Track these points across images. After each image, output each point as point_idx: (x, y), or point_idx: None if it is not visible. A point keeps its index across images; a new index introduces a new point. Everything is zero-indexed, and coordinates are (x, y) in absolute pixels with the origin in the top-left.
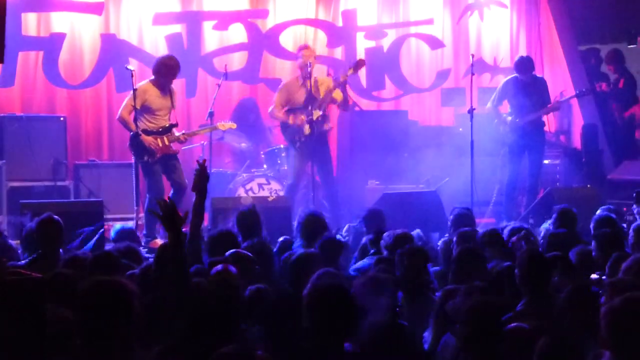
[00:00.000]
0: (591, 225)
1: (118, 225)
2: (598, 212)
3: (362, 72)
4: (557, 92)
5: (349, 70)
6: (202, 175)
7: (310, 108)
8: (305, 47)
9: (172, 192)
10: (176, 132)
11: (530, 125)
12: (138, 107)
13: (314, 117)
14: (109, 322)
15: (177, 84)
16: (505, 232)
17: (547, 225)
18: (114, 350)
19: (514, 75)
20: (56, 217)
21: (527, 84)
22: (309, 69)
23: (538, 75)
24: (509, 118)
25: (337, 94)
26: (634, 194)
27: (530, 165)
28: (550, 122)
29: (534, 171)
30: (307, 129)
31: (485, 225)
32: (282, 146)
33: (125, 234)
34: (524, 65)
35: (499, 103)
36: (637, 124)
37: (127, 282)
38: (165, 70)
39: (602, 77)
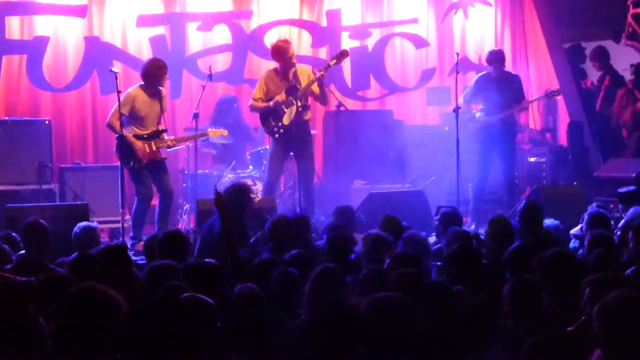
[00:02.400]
0: (583, 223)
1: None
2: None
3: (347, 72)
4: (542, 90)
5: (332, 60)
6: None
7: (292, 99)
8: (284, 41)
9: (159, 197)
10: (165, 137)
11: (500, 123)
12: (126, 113)
13: (296, 108)
14: (90, 329)
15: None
16: None
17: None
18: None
19: (486, 71)
20: (42, 221)
21: (500, 80)
22: (292, 68)
23: (512, 72)
24: (479, 114)
25: (315, 88)
26: (617, 195)
27: (502, 164)
28: (536, 120)
29: (506, 169)
30: (286, 119)
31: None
32: (267, 147)
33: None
34: (496, 57)
35: (471, 100)
36: (625, 122)
37: (110, 290)
38: (154, 74)
39: (580, 73)
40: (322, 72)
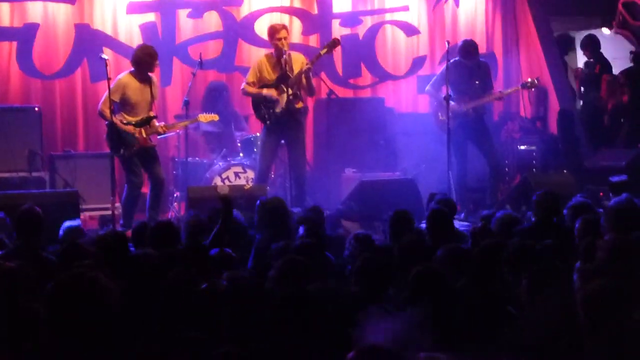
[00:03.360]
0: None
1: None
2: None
3: (338, 60)
4: (533, 78)
5: (323, 49)
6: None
7: (284, 86)
8: (282, 26)
9: (150, 184)
10: (156, 124)
11: (472, 112)
12: (117, 100)
13: (287, 96)
14: (80, 316)
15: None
16: None
17: None
18: (88, 344)
19: (457, 58)
20: (37, 208)
21: (471, 68)
22: (284, 54)
23: (482, 60)
24: (451, 103)
25: (303, 78)
26: (608, 184)
27: (483, 154)
28: (526, 108)
29: (488, 158)
30: (278, 107)
31: None
32: (258, 134)
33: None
34: (468, 49)
35: (439, 87)
36: (603, 110)
37: (101, 276)
38: (145, 61)
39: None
40: (309, 65)
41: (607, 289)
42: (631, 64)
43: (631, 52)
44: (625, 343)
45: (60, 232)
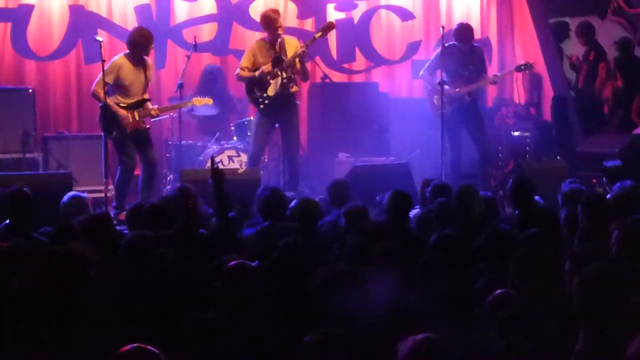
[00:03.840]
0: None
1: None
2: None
3: (333, 45)
4: (528, 61)
5: (318, 33)
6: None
7: (278, 70)
8: (274, 10)
9: (142, 167)
10: (150, 106)
11: (468, 96)
12: (111, 82)
13: (281, 79)
14: (63, 291)
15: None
16: None
17: None
18: (72, 319)
19: (452, 42)
20: (26, 189)
21: (466, 52)
22: (278, 38)
23: (476, 45)
24: (446, 87)
25: (296, 62)
26: (602, 169)
27: (473, 138)
28: (520, 94)
29: (478, 142)
30: (271, 89)
31: None
32: (251, 118)
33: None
34: (464, 33)
35: (433, 71)
36: (606, 98)
37: (84, 252)
38: (141, 43)
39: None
40: (304, 48)
41: (607, 272)
42: (617, 53)
43: (615, 42)
44: (623, 329)
45: (65, 198)
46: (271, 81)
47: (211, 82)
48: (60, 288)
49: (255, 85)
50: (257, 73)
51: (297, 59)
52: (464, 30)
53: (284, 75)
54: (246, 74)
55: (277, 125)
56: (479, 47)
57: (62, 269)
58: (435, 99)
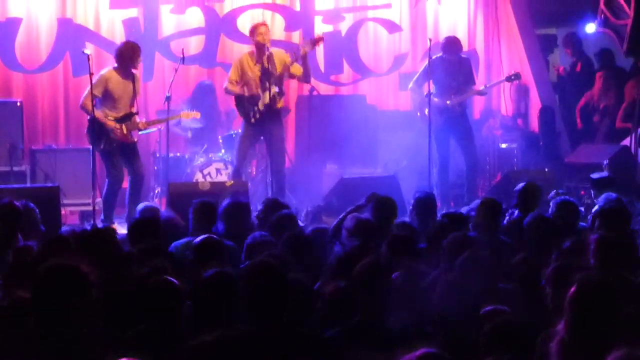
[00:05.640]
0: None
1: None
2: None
3: (320, 57)
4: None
5: (307, 45)
6: None
7: (267, 84)
8: (263, 24)
9: (130, 179)
10: (137, 120)
11: (458, 107)
12: (99, 95)
13: (271, 93)
14: (62, 304)
15: None
16: None
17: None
18: (70, 332)
19: (439, 55)
20: (16, 203)
21: (453, 64)
22: (267, 50)
23: (463, 56)
24: (435, 99)
25: (296, 69)
26: (590, 181)
27: (462, 149)
28: (507, 105)
29: (467, 153)
30: (261, 104)
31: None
32: (239, 131)
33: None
34: (452, 46)
35: (422, 84)
36: (593, 108)
37: (83, 265)
38: (129, 56)
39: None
40: (304, 51)
41: (603, 283)
42: (599, 64)
43: (595, 54)
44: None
45: (137, 213)
46: (261, 95)
47: (203, 98)
48: (59, 302)
49: (246, 99)
50: (247, 92)
51: (296, 64)
52: (452, 43)
53: (275, 89)
54: (235, 88)
55: (262, 137)
56: (466, 58)
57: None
58: (425, 111)
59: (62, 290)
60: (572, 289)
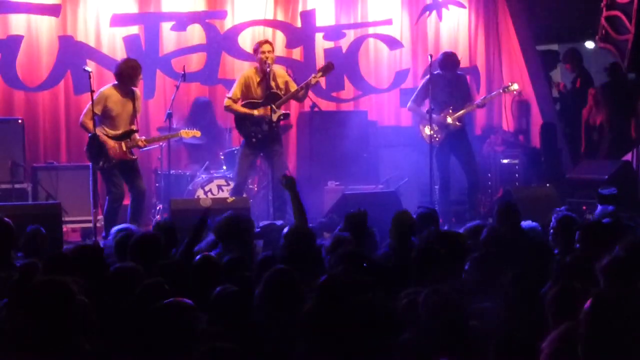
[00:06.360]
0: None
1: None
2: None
3: None
4: (514, 94)
5: (318, 74)
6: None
7: (272, 106)
8: (266, 41)
9: (131, 196)
10: (137, 137)
11: (458, 122)
12: (99, 112)
13: (276, 116)
14: (48, 322)
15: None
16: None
17: None
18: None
19: (437, 71)
20: (7, 219)
21: (451, 81)
22: (267, 67)
23: (459, 72)
24: (434, 116)
25: (292, 86)
26: (597, 194)
27: (462, 165)
28: (509, 121)
29: (467, 169)
30: (266, 125)
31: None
32: (240, 147)
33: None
34: (449, 61)
35: (421, 102)
36: (588, 125)
37: (69, 283)
38: (129, 74)
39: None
40: (315, 80)
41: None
42: (608, 78)
43: (605, 69)
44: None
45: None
46: (265, 115)
47: (201, 115)
48: (48, 319)
49: (248, 119)
50: (255, 112)
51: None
52: (449, 59)
53: (280, 111)
54: (237, 108)
55: (261, 154)
56: (463, 74)
57: (51, 300)
58: (426, 128)
59: (49, 302)
60: (587, 304)
